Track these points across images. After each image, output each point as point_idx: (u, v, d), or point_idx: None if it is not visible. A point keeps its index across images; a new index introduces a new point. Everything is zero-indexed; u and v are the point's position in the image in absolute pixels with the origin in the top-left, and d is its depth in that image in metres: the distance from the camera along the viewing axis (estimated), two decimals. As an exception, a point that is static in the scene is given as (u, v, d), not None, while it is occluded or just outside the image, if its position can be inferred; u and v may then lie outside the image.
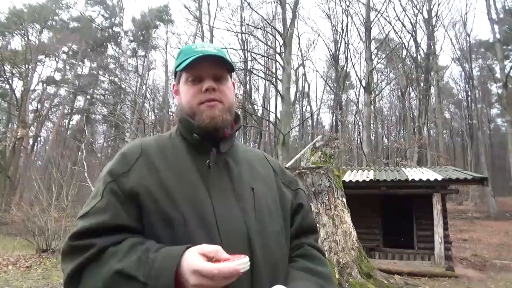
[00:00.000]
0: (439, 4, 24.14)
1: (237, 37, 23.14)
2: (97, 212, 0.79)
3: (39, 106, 26.74)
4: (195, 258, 0.68)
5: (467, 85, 30.04)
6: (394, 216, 10.26)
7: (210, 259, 0.69)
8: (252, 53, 22.19)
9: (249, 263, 0.70)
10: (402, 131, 28.74)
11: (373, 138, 25.68)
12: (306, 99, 32.39)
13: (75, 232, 0.78)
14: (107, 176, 0.84)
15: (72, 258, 0.76)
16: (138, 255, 0.73)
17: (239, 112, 1.04)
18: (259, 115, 23.24)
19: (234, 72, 1.05)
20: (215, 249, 0.70)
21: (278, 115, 21.92)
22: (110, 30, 32.10)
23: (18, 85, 22.45)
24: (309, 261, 0.93)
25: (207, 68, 0.91)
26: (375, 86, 22.53)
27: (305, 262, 0.92)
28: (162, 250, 0.73)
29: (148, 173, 0.85)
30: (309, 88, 31.94)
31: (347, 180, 8.82)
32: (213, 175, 0.87)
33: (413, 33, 23.95)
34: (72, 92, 28.85)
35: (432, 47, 23.62)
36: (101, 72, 29.35)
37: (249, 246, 0.82)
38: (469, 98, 30.27)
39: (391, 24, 21.97)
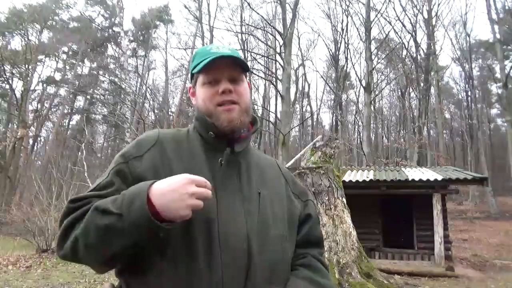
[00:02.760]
0: (439, 4, 24.17)
1: (237, 37, 23.13)
2: (102, 189, 0.83)
3: (39, 106, 26.73)
4: (185, 175, 0.76)
5: (467, 85, 30.06)
6: (394, 216, 10.25)
7: None
8: (252, 53, 22.18)
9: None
10: (402, 131, 28.72)
11: (373, 138, 25.68)
12: (306, 99, 32.39)
13: (76, 196, 0.82)
14: (119, 158, 0.88)
15: (68, 218, 0.79)
16: (115, 196, 0.77)
17: (257, 116, 1.04)
18: (259, 115, 23.23)
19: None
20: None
21: (278, 115, 21.94)
22: (110, 30, 32.10)
23: (18, 85, 22.41)
24: (311, 271, 0.92)
25: (223, 70, 0.91)
26: (375, 86, 22.53)
27: (307, 271, 0.92)
28: (133, 186, 0.77)
29: (160, 162, 0.86)
30: (309, 88, 31.96)
31: (347, 180, 8.81)
32: (223, 174, 0.88)
33: (413, 33, 23.95)
34: (72, 92, 28.84)
35: (432, 47, 23.61)
36: (101, 72, 29.35)
37: (248, 248, 0.81)
38: (469, 98, 30.29)
39: (391, 24, 21.98)
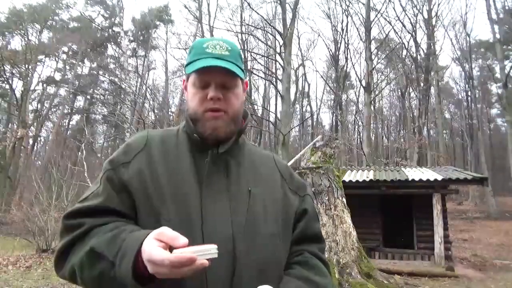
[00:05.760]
0: (439, 4, 24.21)
1: (237, 37, 23.05)
2: (94, 197, 0.84)
3: (39, 106, 26.78)
4: (150, 245, 0.67)
5: (467, 85, 30.07)
6: (394, 216, 10.26)
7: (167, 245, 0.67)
8: (252, 53, 22.16)
9: (217, 250, 0.67)
10: (402, 131, 28.74)
11: (373, 138, 25.68)
12: (306, 99, 32.41)
13: (69, 212, 0.84)
14: (107, 164, 0.89)
15: (64, 236, 0.82)
16: (114, 234, 0.75)
17: (248, 115, 1.00)
18: (259, 115, 23.23)
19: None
20: (172, 236, 0.67)
21: (278, 115, 21.92)
22: (110, 30, 32.08)
23: (18, 85, 22.47)
24: (306, 269, 0.88)
25: (215, 76, 0.87)
26: (375, 86, 22.52)
27: (301, 269, 0.88)
28: (134, 232, 0.75)
29: (146, 166, 0.86)
30: (309, 88, 31.98)
31: (347, 180, 8.81)
32: (208, 174, 0.86)
33: (413, 33, 23.97)
34: (72, 92, 28.86)
35: (432, 47, 23.62)
36: (101, 72, 29.36)
37: (233, 249, 0.79)
38: (469, 98, 30.31)
39: (391, 24, 21.99)
